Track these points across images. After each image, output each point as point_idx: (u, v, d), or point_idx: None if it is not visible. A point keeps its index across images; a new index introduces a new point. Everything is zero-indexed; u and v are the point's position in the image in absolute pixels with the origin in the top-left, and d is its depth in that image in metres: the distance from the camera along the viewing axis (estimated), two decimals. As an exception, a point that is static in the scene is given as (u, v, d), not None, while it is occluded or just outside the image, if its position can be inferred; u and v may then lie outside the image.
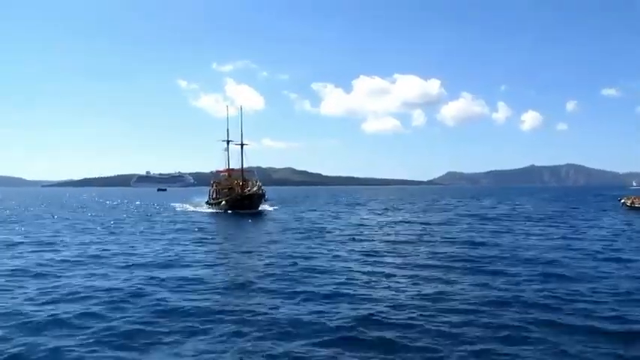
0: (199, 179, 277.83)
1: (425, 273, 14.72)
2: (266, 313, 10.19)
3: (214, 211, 49.30)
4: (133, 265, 16.48)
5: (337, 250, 19.67)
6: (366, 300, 11.34)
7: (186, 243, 22.72)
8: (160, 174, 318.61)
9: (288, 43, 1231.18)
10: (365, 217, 41.07)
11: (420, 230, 28.20)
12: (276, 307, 10.69)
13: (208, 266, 16.35)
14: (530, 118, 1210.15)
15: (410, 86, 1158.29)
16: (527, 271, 14.75)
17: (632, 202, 46.67)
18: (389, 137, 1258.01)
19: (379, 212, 47.79)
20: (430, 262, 16.74)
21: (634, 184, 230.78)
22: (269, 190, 51.15)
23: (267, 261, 17.07)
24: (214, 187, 55.44)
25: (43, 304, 11.17)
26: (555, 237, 23.89)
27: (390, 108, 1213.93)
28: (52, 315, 10.13)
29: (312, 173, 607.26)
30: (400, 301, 11.15)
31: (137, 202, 75.86)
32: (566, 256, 17.65)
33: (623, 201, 49.13)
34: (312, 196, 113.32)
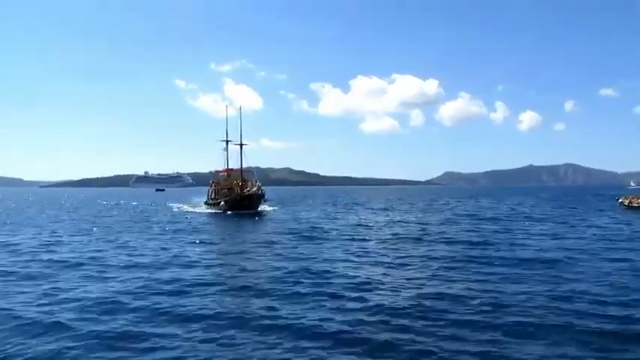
0: (198, 179, 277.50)
1: (424, 273, 14.74)
2: (264, 316, 10.15)
3: (213, 211, 49.22)
4: (129, 267, 16.35)
5: (336, 251, 19.65)
6: (365, 301, 11.31)
7: (185, 244, 22.68)
8: (159, 174, 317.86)
9: (287, 43, 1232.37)
10: (363, 217, 41.05)
11: (419, 230, 28.21)
12: (275, 310, 10.66)
13: (206, 268, 16.31)
14: (528, 118, 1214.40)
15: (408, 86, 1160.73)
16: (526, 271, 14.78)
17: (630, 202, 46.82)
18: (387, 137, 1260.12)
19: (377, 212, 47.80)
20: (429, 262, 16.75)
21: (632, 183, 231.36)
22: (267, 191, 51.04)
23: (266, 262, 17.05)
24: (213, 187, 55.29)
25: (39, 306, 11.11)
26: (553, 237, 23.90)
27: (388, 108, 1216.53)
28: (42, 318, 10.01)
29: (310, 173, 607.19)
30: (400, 303, 11.12)
31: (134, 203, 75.74)
32: (564, 255, 17.65)
33: (621, 200, 49.25)
34: (311, 196, 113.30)
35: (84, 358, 7.95)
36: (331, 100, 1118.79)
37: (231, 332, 9.10)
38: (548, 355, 7.87)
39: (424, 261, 16.99)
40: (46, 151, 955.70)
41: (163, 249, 20.80)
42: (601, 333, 8.83)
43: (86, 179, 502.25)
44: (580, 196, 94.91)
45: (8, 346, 8.44)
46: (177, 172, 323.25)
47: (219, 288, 12.91)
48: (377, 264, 16.42)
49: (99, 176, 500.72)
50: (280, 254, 18.82)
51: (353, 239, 23.87)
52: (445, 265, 16.15)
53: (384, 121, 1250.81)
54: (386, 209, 53.33)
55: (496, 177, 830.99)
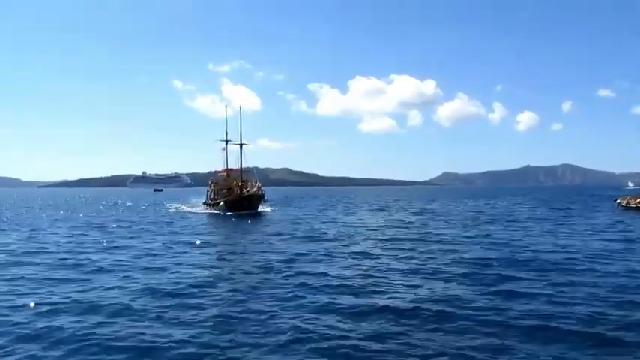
0: (196, 180, 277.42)
1: (423, 275, 14.79)
2: (263, 320, 10.14)
3: (212, 212, 49.11)
4: (124, 270, 16.22)
5: (335, 253, 19.68)
6: (363, 306, 11.25)
7: (183, 246, 22.70)
8: (157, 174, 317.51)
9: (285, 43, 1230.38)
10: (362, 218, 41.16)
11: (417, 230, 28.32)
12: (274, 313, 10.69)
13: (204, 270, 16.33)
14: (525, 119, 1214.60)
15: (406, 86, 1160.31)
16: (524, 272, 14.81)
17: (628, 203, 47.00)
18: (385, 137, 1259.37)
19: (376, 213, 47.90)
20: (427, 264, 16.78)
21: (629, 184, 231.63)
22: (266, 191, 50.96)
23: (266, 265, 17.01)
24: (212, 187, 55.14)
25: (31, 314, 10.99)
26: (551, 237, 23.97)
27: (386, 108, 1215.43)
28: (29, 326, 9.82)
29: (308, 174, 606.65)
30: (398, 307, 11.12)
31: (129, 204, 75.64)
32: (562, 257, 17.72)
33: (618, 201, 49.42)
34: (310, 197, 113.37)
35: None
36: (329, 101, 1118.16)
37: (231, 334, 9.15)
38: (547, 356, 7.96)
39: (422, 262, 17.03)
40: (43, 151, 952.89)
41: (161, 251, 20.84)
42: (602, 334, 8.90)
43: (83, 179, 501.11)
44: (577, 196, 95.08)
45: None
46: (176, 173, 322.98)
47: (216, 291, 12.91)
48: (375, 267, 16.38)
49: (97, 176, 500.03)
50: (280, 254, 18.83)
51: (352, 240, 23.94)
52: (443, 266, 16.18)
53: (382, 122, 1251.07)
54: (384, 210, 53.43)
55: (493, 177, 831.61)
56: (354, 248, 21.05)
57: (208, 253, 20.17)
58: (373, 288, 13.03)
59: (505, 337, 8.82)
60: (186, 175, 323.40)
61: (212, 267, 16.89)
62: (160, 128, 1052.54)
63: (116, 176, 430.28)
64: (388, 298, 11.81)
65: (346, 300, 11.68)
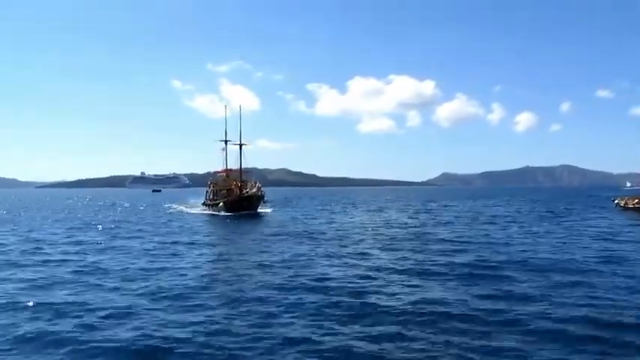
0: (194, 180, 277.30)
1: (421, 276, 14.76)
2: (262, 321, 10.13)
3: (211, 212, 49.02)
4: (122, 270, 16.18)
5: (334, 253, 19.65)
6: (361, 306, 11.24)
7: (182, 247, 22.65)
8: (155, 175, 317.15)
9: (283, 43, 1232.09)
10: (361, 218, 41.16)
11: (415, 231, 28.30)
12: (273, 314, 10.68)
13: (202, 270, 16.30)
14: (524, 119, 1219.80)
15: (405, 87, 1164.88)
16: (523, 273, 14.81)
17: (626, 203, 47.09)
18: (384, 138, 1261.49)
19: (374, 213, 47.89)
20: (426, 264, 16.75)
21: (628, 184, 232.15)
22: (266, 192, 50.89)
23: (265, 266, 16.97)
24: (212, 187, 55.02)
25: (29, 315, 10.93)
26: (550, 238, 23.98)
27: (385, 109, 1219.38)
28: (27, 328, 9.81)
29: (307, 174, 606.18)
30: (397, 308, 11.11)
31: (126, 205, 75.55)
32: (561, 257, 17.74)
33: (617, 202, 49.51)
34: (308, 197, 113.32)
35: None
36: (328, 101, 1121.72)
37: (229, 335, 9.11)
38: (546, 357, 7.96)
39: (420, 264, 17.00)
40: (41, 151, 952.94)
41: (160, 252, 20.78)
42: (601, 335, 8.89)
43: (81, 180, 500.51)
44: (576, 197, 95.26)
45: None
46: (174, 173, 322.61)
47: (218, 290, 12.91)
48: (373, 268, 16.35)
49: (95, 177, 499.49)
50: (279, 255, 18.81)
51: (351, 241, 23.92)
52: (441, 267, 16.16)
53: (381, 122, 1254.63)
54: (382, 210, 53.44)
55: (492, 178, 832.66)
56: (352, 249, 21.00)
57: (207, 254, 20.12)
58: (372, 288, 12.99)
59: (505, 338, 8.80)
60: (185, 175, 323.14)
61: (211, 268, 16.86)
62: (159, 128, 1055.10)
63: (114, 176, 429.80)
64: (387, 299, 11.79)
65: (345, 300, 11.64)
